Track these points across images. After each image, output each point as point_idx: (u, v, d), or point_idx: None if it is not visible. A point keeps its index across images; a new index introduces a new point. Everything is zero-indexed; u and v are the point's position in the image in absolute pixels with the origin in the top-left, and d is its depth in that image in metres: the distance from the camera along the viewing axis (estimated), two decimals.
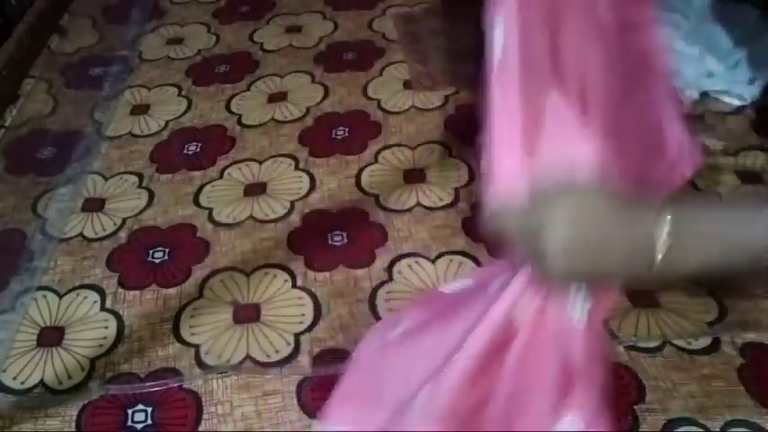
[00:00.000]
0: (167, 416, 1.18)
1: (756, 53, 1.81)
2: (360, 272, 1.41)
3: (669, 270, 0.49)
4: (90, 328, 1.34)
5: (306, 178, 1.66)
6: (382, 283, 1.39)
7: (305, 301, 1.36)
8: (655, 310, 1.31)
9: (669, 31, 1.88)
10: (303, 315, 1.34)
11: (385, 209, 1.56)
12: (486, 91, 0.61)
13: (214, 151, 1.76)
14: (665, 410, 1.15)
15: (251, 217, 1.56)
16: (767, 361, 1.22)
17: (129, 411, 1.19)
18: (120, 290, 1.41)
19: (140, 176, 1.69)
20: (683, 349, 1.24)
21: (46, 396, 1.23)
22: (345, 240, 1.49)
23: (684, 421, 1.13)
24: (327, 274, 1.41)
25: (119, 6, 2.40)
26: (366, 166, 1.68)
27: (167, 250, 1.49)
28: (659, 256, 0.48)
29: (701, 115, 1.75)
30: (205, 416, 1.18)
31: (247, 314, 1.34)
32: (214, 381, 1.23)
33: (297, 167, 1.69)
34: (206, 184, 1.66)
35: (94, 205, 1.62)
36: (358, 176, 1.65)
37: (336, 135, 1.79)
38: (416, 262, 1.43)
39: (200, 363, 1.26)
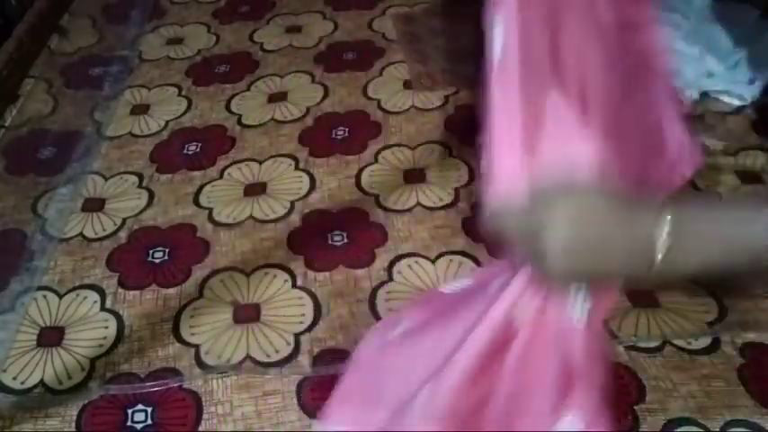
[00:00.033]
0: (167, 416, 1.18)
1: (756, 53, 1.81)
2: (360, 272, 1.41)
3: (669, 270, 0.49)
4: (90, 328, 1.34)
5: (306, 178, 1.66)
6: (382, 283, 1.39)
7: (305, 301, 1.36)
8: (655, 310, 1.31)
9: (669, 31, 1.88)
10: (303, 315, 1.34)
11: (385, 209, 1.56)
12: (486, 91, 0.61)
13: (214, 151, 1.76)
14: (664, 410, 1.15)
15: (251, 217, 1.56)
16: (767, 361, 1.22)
17: (129, 411, 1.19)
18: (120, 290, 1.41)
19: (140, 176, 1.69)
20: (683, 349, 1.24)
21: (46, 396, 1.23)
22: (345, 240, 1.49)
23: (684, 421, 1.13)
24: (327, 274, 1.41)
25: (119, 6, 2.40)
26: (366, 166, 1.68)
27: (167, 250, 1.49)
28: (659, 256, 0.48)
29: (700, 115, 1.75)
30: (205, 416, 1.18)
31: (247, 314, 1.34)
32: (214, 381, 1.23)
33: (297, 167, 1.69)
34: (206, 184, 1.66)
35: (94, 205, 1.62)
36: (358, 176, 1.65)
37: (336, 135, 1.79)
38: (416, 262, 1.43)
39: (200, 363, 1.26)
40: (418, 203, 1.56)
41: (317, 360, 1.25)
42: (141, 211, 1.59)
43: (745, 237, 0.49)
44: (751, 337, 1.25)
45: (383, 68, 2.01)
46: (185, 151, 1.76)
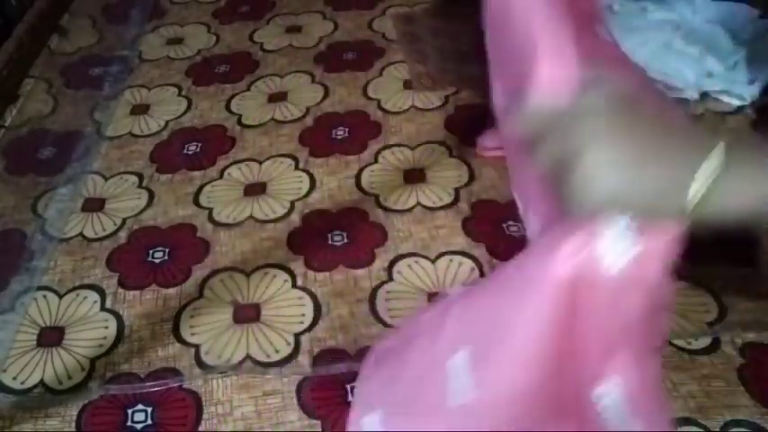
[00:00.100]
0: (167, 416, 1.18)
1: (756, 53, 1.81)
2: (360, 272, 1.41)
3: (710, 205, 0.43)
4: (90, 328, 1.34)
5: (306, 178, 1.66)
6: (382, 283, 1.39)
7: (305, 301, 1.36)
8: None
9: (669, 31, 1.88)
10: (303, 315, 1.34)
11: (385, 209, 1.56)
12: None
13: (214, 151, 1.76)
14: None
15: (251, 217, 1.56)
16: (767, 361, 1.22)
17: (129, 411, 1.19)
18: (120, 290, 1.41)
19: (140, 176, 1.69)
20: (683, 349, 1.24)
21: (46, 396, 1.23)
22: (345, 240, 1.49)
23: (684, 421, 1.13)
24: (327, 274, 1.41)
25: (119, 6, 2.40)
26: (366, 166, 1.68)
27: (167, 250, 1.49)
28: (704, 185, 0.42)
29: (700, 115, 1.75)
30: (205, 416, 1.18)
31: (247, 314, 1.34)
32: (214, 381, 1.23)
33: (297, 167, 1.69)
34: (206, 184, 1.66)
35: (94, 205, 1.62)
36: (358, 176, 1.65)
37: (336, 135, 1.79)
38: (416, 262, 1.43)
39: (200, 363, 1.26)
40: (418, 203, 1.56)
41: (317, 360, 1.25)
42: (141, 211, 1.59)
43: None
44: (751, 337, 1.25)
45: (383, 68, 2.01)
46: (185, 151, 1.76)
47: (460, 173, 1.64)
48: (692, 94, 1.76)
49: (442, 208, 1.55)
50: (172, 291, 1.40)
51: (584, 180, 0.45)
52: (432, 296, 1.36)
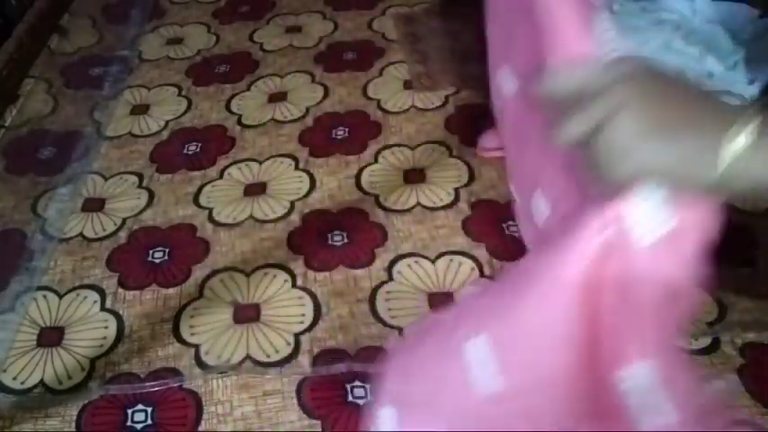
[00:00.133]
0: (167, 416, 1.18)
1: (756, 53, 1.81)
2: (360, 272, 1.41)
3: (741, 176, 0.41)
4: (90, 328, 1.34)
5: (306, 178, 1.66)
6: (382, 283, 1.39)
7: (305, 301, 1.36)
8: None
9: (669, 31, 1.88)
10: (303, 315, 1.34)
11: (385, 209, 1.56)
12: None
13: (214, 151, 1.76)
14: None
15: (251, 217, 1.56)
16: (767, 361, 1.22)
17: (129, 411, 1.19)
18: (120, 290, 1.41)
19: (140, 176, 1.69)
20: (682, 349, 1.24)
21: (46, 396, 1.23)
22: (345, 240, 1.49)
23: None
24: (327, 273, 1.41)
25: (119, 6, 2.40)
26: (366, 166, 1.68)
27: (167, 250, 1.49)
28: (735, 155, 0.41)
29: None
30: (205, 416, 1.18)
31: (247, 314, 1.34)
32: (214, 381, 1.23)
33: (297, 167, 1.69)
34: (206, 184, 1.66)
35: (94, 205, 1.62)
36: (358, 176, 1.65)
37: (336, 135, 1.79)
38: (416, 262, 1.43)
39: (200, 363, 1.26)
40: (418, 203, 1.56)
41: (317, 360, 1.25)
42: (141, 211, 1.59)
43: None
44: (751, 337, 1.25)
45: (383, 68, 2.01)
46: (185, 151, 1.76)
47: (460, 173, 1.64)
48: None
49: (442, 208, 1.55)
50: (172, 291, 1.40)
51: (614, 149, 0.43)
52: (432, 296, 1.36)
